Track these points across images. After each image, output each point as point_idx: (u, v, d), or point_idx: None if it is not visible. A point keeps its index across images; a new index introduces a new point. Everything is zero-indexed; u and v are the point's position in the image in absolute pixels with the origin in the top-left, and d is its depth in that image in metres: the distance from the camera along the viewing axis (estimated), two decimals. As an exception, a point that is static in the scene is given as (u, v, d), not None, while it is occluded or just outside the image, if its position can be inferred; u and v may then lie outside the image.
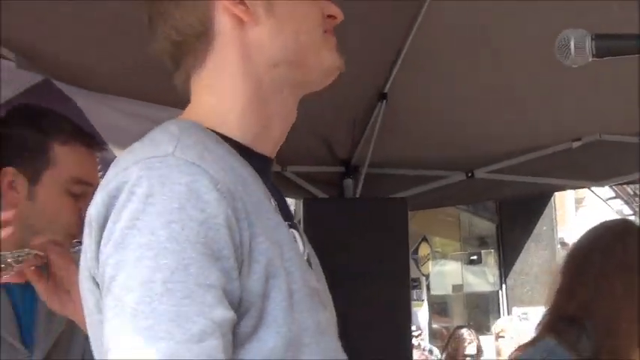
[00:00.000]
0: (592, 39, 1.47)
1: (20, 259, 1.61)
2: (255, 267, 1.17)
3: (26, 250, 1.68)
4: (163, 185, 1.13)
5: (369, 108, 4.36)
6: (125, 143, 3.37)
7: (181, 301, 1.08)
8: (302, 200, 4.38)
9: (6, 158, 1.98)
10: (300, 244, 1.36)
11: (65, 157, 2.00)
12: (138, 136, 3.66)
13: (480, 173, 4.97)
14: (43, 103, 2.94)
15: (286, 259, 1.23)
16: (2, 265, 1.54)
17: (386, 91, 4.20)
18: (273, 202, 1.30)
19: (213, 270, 1.11)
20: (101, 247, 1.16)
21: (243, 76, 1.33)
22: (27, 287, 2.03)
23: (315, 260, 1.44)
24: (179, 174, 1.14)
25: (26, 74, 2.96)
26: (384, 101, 4.24)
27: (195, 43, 1.33)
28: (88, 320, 1.26)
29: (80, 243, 1.97)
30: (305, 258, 1.36)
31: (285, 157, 4.61)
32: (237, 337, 1.15)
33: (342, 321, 4.02)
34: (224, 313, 1.11)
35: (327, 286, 1.44)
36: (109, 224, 1.15)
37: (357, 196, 4.86)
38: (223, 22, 1.33)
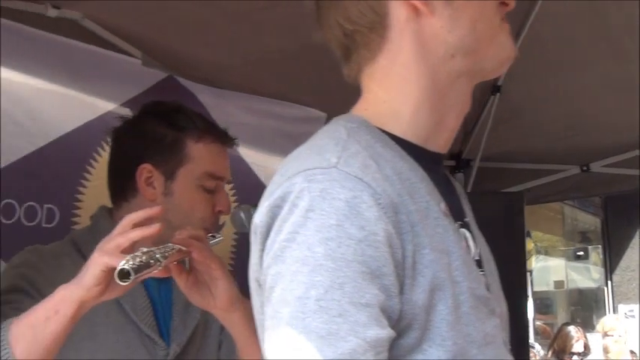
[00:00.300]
0: None
1: (167, 254, 1.63)
2: (420, 280, 1.14)
3: (170, 245, 1.70)
4: (323, 200, 1.11)
5: (481, 101, 4.30)
6: (246, 139, 3.42)
7: (334, 319, 1.06)
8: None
9: (142, 155, 2.02)
10: (471, 244, 1.33)
11: (199, 154, 2.03)
12: (259, 132, 3.67)
13: (596, 167, 4.84)
14: (167, 99, 3.01)
15: (454, 267, 1.20)
16: (151, 261, 1.56)
17: (500, 83, 4.13)
18: (442, 206, 1.26)
19: (370, 288, 1.09)
20: (264, 256, 1.17)
21: (419, 69, 1.29)
22: (162, 281, 2.06)
23: (487, 257, 1.41)
24: (340, 189, 1.12)
25: (151, 71, 3.03)
26: (498, 94, 4.17)
27: (369, 33, 1.30)
28: (256, 318, 1.27)
29: (214, 237, 2.00)
30: (476, 258, 1.33)
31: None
32: (400, 349, 1.14)
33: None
34: (378, 333, 1.09)
35: (498, 283, 1.40)
36: (272, 235, 1.15)
37: (469, 190, 4.80)
38: (398, 13, 1.29)
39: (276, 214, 1.16)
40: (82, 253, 1.98)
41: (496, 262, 4.01)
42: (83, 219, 2.77)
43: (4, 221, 2.53)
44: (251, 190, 3.48)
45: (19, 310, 1.71)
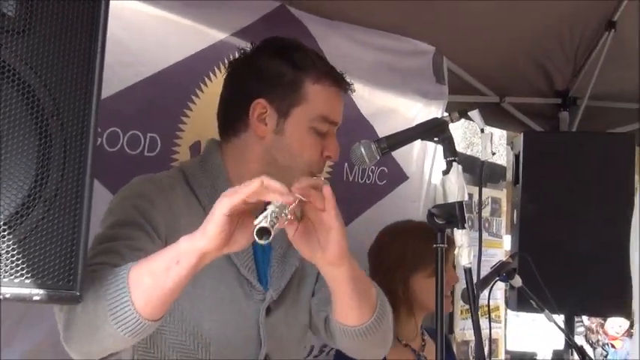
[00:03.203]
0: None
1: (287, 211, 1.57)
2: None
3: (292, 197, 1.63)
4: None
5: (594, 37, 4.15)
6: (351, 72, 3.38)
7: None
8: (522, 133, 4.24)
9: (258, 90, 1.98)
10: None
11: (316, 95, 1.98)
12: (365, 64, 3.62)
13: None
14: (278, 29, 2.97)
15: None
16: (282, 216, 1.51)
17: (615, 19, 3.97)
18: None
19: None
20: None
21: None
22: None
23: None
24: None
25: (263, 1, 2.99)
26: (612, 30, 4.01)
27: None
28: None
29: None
30: None
31: (504, 86, 4.49)
32: None
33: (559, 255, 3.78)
34: None
35: None
36: None
37: (574, 129, 4.68)
38: None
39: None
40: (190, 186, 1.99)
41: (602, 206, 3.90)
42: (182, 149, 2.79)
43: (107, 149, 2.55)
44: (352, 124, 3.44)
45: (135, 248, 1.74)
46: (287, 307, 2.05)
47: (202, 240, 1.53)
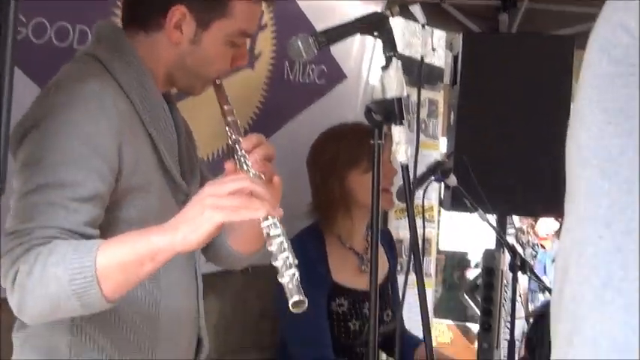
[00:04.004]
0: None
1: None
2: None
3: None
4: None
5: None
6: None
7: None
8: (460, 34, 4.19)
9: None
10: None
11: (240, 11, 1.94)
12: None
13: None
14: None
15: None
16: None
17: None
18: None
19: None
20: None
21: None
22: None
23: None
24: None
25: None
26: None
27: None
28: None
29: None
30: None
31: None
32: None
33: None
34: None
35: None
36: None
37: (513, 31, 4.65)
38: None
39: None
40: (121, 87, 1.86)
41: (539, 108, 3.90)
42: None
43: (34, 41, 2.44)
44: (293, 21, 3.38)
45: (85, 199, 1.69)
46: None
47: (184, 243, 1.60)
